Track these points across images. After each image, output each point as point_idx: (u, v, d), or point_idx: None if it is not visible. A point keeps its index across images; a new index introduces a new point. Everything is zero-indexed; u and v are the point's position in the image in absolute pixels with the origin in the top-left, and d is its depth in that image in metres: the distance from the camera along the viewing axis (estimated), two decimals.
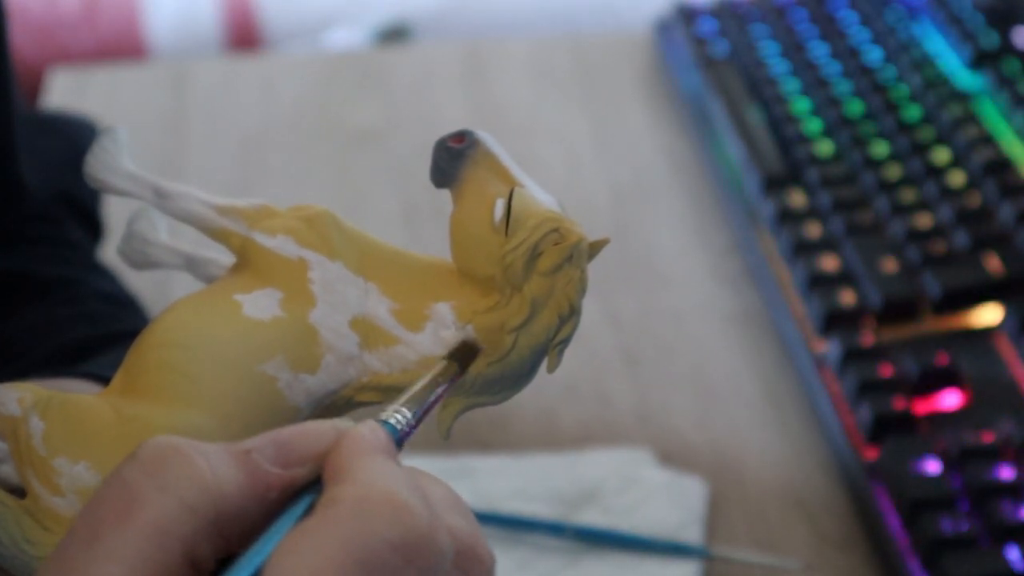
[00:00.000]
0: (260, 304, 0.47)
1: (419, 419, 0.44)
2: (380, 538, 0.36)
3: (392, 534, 0.37)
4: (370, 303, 0.48)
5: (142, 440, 0.42)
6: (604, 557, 0.70)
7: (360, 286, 0.48)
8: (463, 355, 0.46)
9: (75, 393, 0.47)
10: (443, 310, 0.48)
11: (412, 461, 0.78)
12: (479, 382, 0.48)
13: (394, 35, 1.62)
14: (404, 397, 0.44)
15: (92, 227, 0.82)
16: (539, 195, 0.47)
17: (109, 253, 0.83)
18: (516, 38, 1.23)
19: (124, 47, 1.63)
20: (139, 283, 0.78)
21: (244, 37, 1.66)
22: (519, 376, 0.48)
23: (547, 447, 0.78)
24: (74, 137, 0.89)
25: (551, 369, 0.48)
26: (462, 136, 0.48)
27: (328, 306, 0.48)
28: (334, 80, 1.15)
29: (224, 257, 0.52)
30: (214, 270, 0.52)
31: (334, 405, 0.49)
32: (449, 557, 0.38)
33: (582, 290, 0.47)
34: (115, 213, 0.94)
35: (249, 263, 0.49)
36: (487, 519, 0.72)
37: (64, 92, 1.14)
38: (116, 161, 0.50)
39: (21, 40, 1.60)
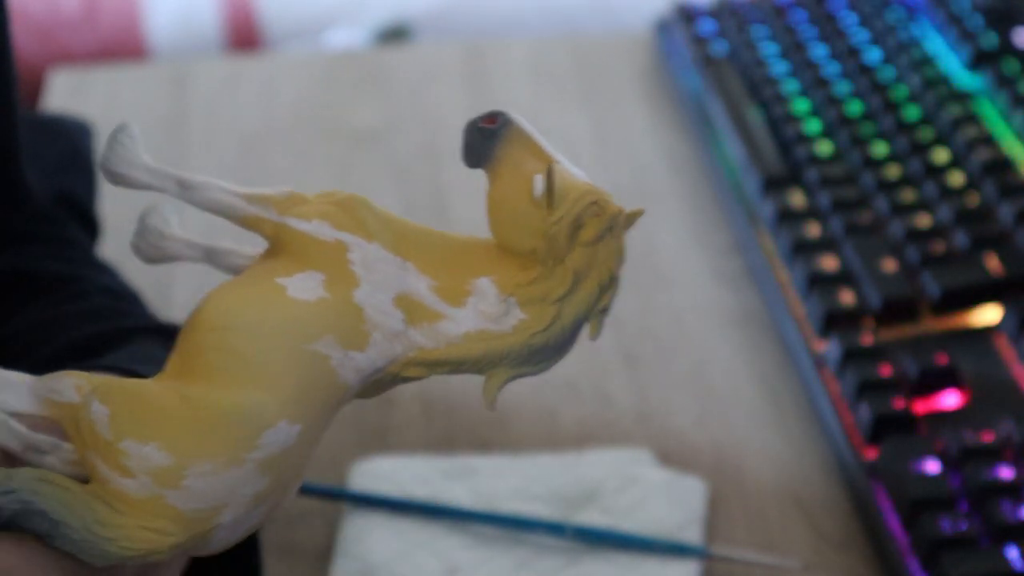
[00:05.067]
0: (304, 286, 0.49)
1: None
2: None
3: None
4: (410, 281, 0.50)
5: (210, 419, 0.45)
6: (604, 557, 0.71)
7: (399, 265, 0.50)
8: None
9: (130, 379, 0.48)
10: (484, 284, 0.50)
11: (414, 461, 0.79)
12: (524, 352, 0.50)
13: (394, 35, 1.62)
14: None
15: (89, 226, 0.83)
16: (574, 170, 0.50)
17: (107, 252, 0.83)
18: (516, 38, 1.23)
19: (124, 47, 1.63)
20: (140, 281, 0.78)
21: (244, 37, 1.66)
22: (561, 345, 0.50)
23: (547, 447, 0.78)
24: (69, 139, 0.89)
25: (593, 336, 0.50)
26: (494, 117, 0.50)
27: (371, 285, 0.49)
28: (334, 80, 1.15)
29: (245, 247, 0.52)
30: (236, 260, 0.53)
31: (381, 381, 0.50)
32: None
33: (621, 259, 0.50)
34: (112, 214, 0.94)
35: (284, 248, 0.50)
36: (487, 519, 0.72)
37: (64, 92, 1.14)
38: (134, 155, 0.50)
39: (22, 40, 1.60)
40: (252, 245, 0.53)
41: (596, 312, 0.50)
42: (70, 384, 0.47)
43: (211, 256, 0.53)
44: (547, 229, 0.49)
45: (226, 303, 0.48)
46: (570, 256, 0.49)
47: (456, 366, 0.50)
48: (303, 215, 0.50)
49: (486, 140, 0.50)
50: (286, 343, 0.48)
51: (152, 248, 0.52)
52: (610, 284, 0.50)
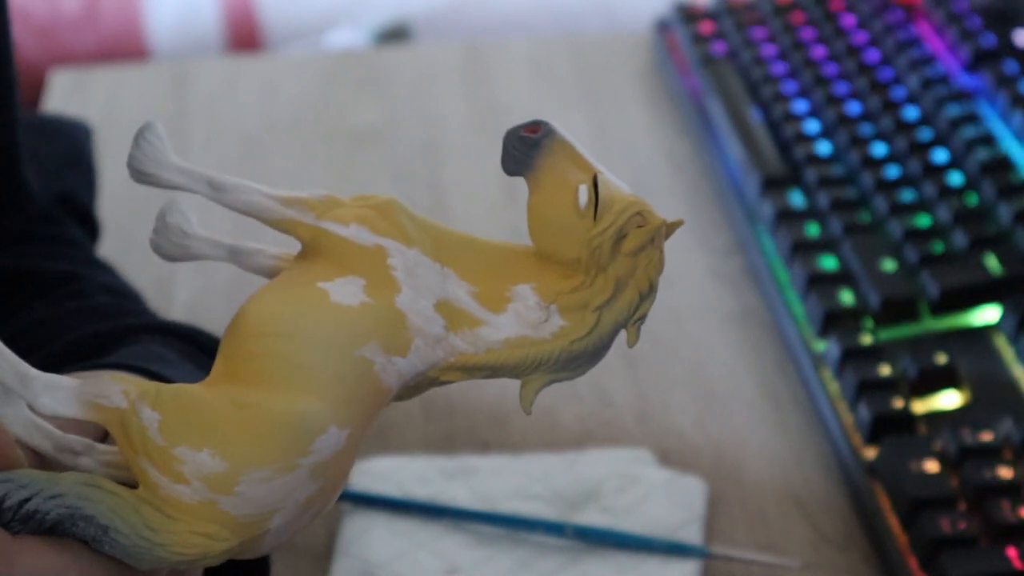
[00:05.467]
0: (345, 291, 0.49)
1: None
2: None
3: None
4: (450, 287, 0.50)
5: (264, 426, 0.46)
6: (604, 557, 0.71)
7: (438, 271, 0.50)
8: None
9: (179, 384, 0.48)
10: (525, 291, 0.50)
11: (414, 461, 0.79)
12: (562, 358, 0.50)
13: (394, 35, 1.63)
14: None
15: (89, 226, 0.83)
16: (615, 180, 0.50)
17: (106, 251, 0.83)
18: (516, 38, 1.24)
19: (125, 48, 1.64)
20: (140, 281, 0.78)
21: (245, 38, 1.66)
22: (598, 351, 0.51)
23: (547, 447, 0.78)
24: (69, 139, 0.89)
25: (631, 343, 0.51)
26: (537, 126, 0.50)
27: (413, 291, 0.49)
28: (334, 80, 1.15)
29: (271, 247, 0.52)
30: (264, 260, 0.52)
31: (419, 384, 0.50)
32: None
33: (660, 268, 0.50)
34: (111, 214, 0.94)
35: (322, 252, 0.50)
36: (487, 519, 0.72)
37: (65, 92, 1.14)
38: (163, 155, 0.50)
39: (23, 41, 1.60)
40: (278, 245, 0.53)
41: (634, 320, 0.50)
42: (117, 389, 0.47)
43: (235, 255, 0.52)
44: (591, 239, 0.49)
45: (270, 308, 0.48)
46: (612, 265, 0.49)
47: (495, 371, 0.50)
48: (341, 219, 0.50)
49: (528, 149, 0.50)
50: (335, 349, 0.48)
51: (174, 246, 0.51)
52: (649, 293, 0.50)
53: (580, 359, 0.50)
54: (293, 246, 0.51)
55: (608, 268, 0.49)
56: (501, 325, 0.50)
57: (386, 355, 0.48)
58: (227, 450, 0.46)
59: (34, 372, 0.47)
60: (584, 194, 0.49)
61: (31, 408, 0.47)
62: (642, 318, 0.51)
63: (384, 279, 0.49)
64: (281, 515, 0.47)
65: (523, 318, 0.50)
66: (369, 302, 0.49)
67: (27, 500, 0.46)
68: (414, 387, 0.50)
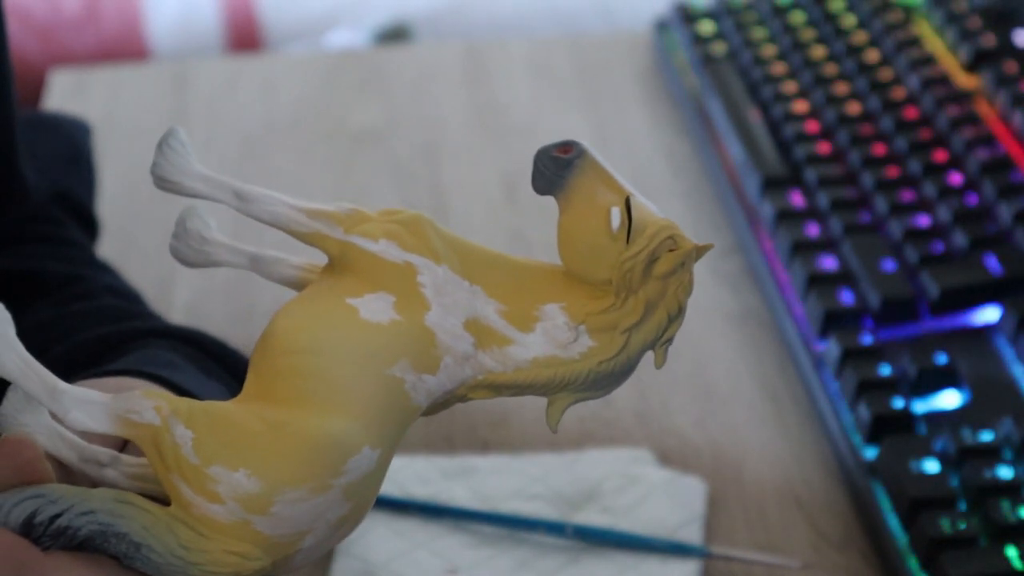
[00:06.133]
0: (375, 308, 0.48)
1: None
2: None
3: None
4: (479, 305, 0.50)
5: (298, 446, 0.45)
6: (604, 557, 0.71)
7: (467, 289, 0.50)
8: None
9: (211, 402, 0.48)
10: (553, 311, 0.50)
11: (414, 461, 0.79)
12: (590, 378, 0.50)
13: (394, 35, 1.63)
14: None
15: (88, 226, 0.83)
16: (646, 203, 0.50)
17: (105, 252, 0.83)
18: (516, 38, 1.24)
19: (125, 48, 1.64)
20: (140, 282, 0.78)
21: (245, 38, 1.66)
22: (625, 372, 0.51)
23: (547, 447, 0.78)
24: (68, 137, 0.89)
25: (659, 365, 0.51)
26: (569, 146, 0.50)
27: (442, 309, 0.49)
28: (334, 80, 1.15)
29: (292, 256, 0.52)
30: (286, 269, 0.52)
31: (446, 402, 0.50)
32: None
33: (690, 291, 0.51)
34: (110, 214, 0.94)
35: (351, 267, 0.49)
36: (487, 519, 0.72)
37: (65, 92, 1.14)
38: (187, 163, 0.49)
39: (23, 41, 1.60)
40: (298, 254, 0.53)
41: (662, 342, 0.50)
42: (149, 405, 0.46)
43: (257, 264, 0.52)
44: (623, 262, 0.49)
45: (301, 324, 0.48)
46: (643, 288, 0.49)
47: (522, 390, 0.50)
48: (369, 234, 0.49)
49: (560, 169, 0.50)
50: (368, 368, 0.48)
51: (194, 252, 0.51)
52: (678, 315, 0.51)
53: (607, 379, 0.50)
54: (315, 255, 0.51)
55: (639, 290, 0.49)
56: (530, 344, 0.50)
57: (416, 373, 0.48)
58: (262, 470, 0.46)
59: (63, 386, 0.47)
60: (617, 217, 0.49)
61: (59, 421, 0.47)
62: (670, 340, 0.51)
63: (413, 296, 0.49)
64: (313, 535, 0.47)
65: (552, 338, 0.50)
66: (399, 319, 0.48)
67: (58, 516, 0.46)
68: (442, 404, 0.50)
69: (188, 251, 0.51)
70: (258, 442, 0.46)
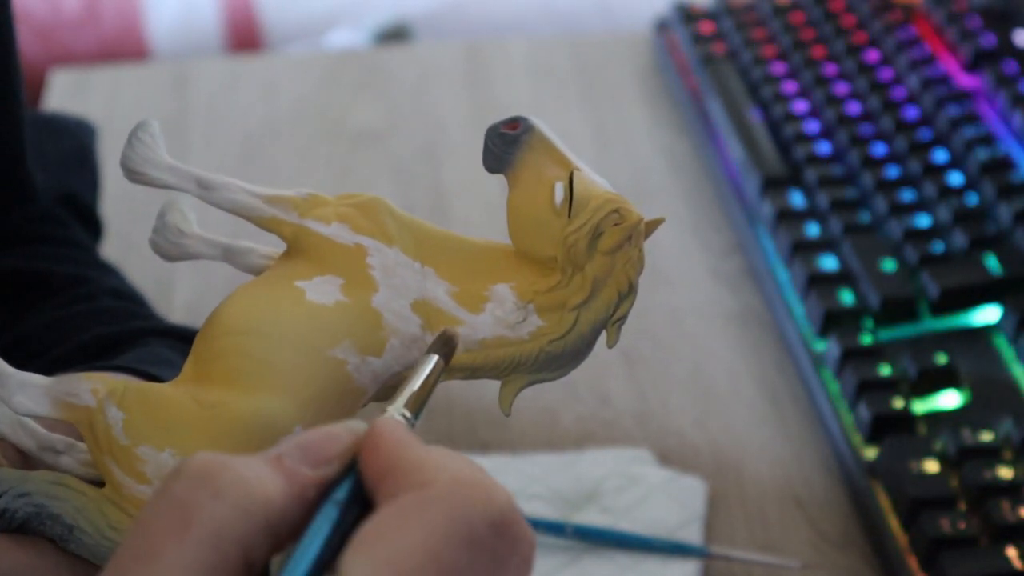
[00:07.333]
0: (322, 290, 0.48)
1: (419, 417, 0.45)
2: (479, 516, 0.39)
3: (489, 512, 0.40)
4: (429, 286, 0.49)
5: (226, 426, 0.45)
6: (604, 557, 0.71)
7: (418, 270, 0.50)
8: (443, 348, 0.46)
9: (147, 383, 0.48)
10: (503, 291, 0.49)
11: None
12: (541, 359, 0.50)
13: (394, 35, 1.63)
14: (402, 397, 0.44)
15: (92, 226, 0.83)
16: (595, 177, 0.49)
17: (107, 252, 0.83)
18: (516, 38, 1.24)
19: (126, 48, 1.64)
20: (141, 282, 0.78)
21: (245, 38, 1.66)
22: (578, 352, 0.50)
23: (547, 447, 0.78)
24: (73, 138, 0.89)
25: (611, 344, 0.50)
26: (516, 122, 0.50)
27: (390, 290, 0.49)
28: (334, 80, 1.15)
29: (263, 246, 0.52)
30: (255, 259, 0.52)
31: (397, 385, 0.50)
32: (530, 534, 0.43)
33: (640, 267, 0.50)
34: (113, 214, 0.94)
35: (303, 251, 0.49)
36: None
37: (65, 92, 1.14)
38: (155, 154, 0.50)
39: (24, 41, 1.59)
40: (272, 245, 0.53)
41: (614, 320, 0.50)
42: (86, 387, 0.47)
43: (229, 255, 0.52)
44: (566, 237, 0.48)
45: (243, 306, 0.48)
46: (589, 264, 0.49)
47: (473, 372, 0.50)
48: (323, 218, 0.49)
49: (507, 145, 0.50)
50: (304, 348, 0.47)
51: (172, 245, 0.51)
52: (629, 292, 0.50)
53: (560, 359, 0.50)
54: (284, 246, 0.51)
55: (585, 267, 0.49)
56: (478, 325, 0.49)
57: (360, 355, 0.48)
58: (189, 450, 0.46)
59: (9, 370, 0.47)
60: (560, 191, 0.49)
61: (7, 406, 0.47)
62: (622, 318, 0.50)
63: (362, 278, 0.49)
64: None
65: (500, 318, 0.49)
66: (345, 301, 0.48)
67: None
68: (393, 387, 0.49)
69: (165, 244, 0.51)
70: (186, 422, 0.46)
